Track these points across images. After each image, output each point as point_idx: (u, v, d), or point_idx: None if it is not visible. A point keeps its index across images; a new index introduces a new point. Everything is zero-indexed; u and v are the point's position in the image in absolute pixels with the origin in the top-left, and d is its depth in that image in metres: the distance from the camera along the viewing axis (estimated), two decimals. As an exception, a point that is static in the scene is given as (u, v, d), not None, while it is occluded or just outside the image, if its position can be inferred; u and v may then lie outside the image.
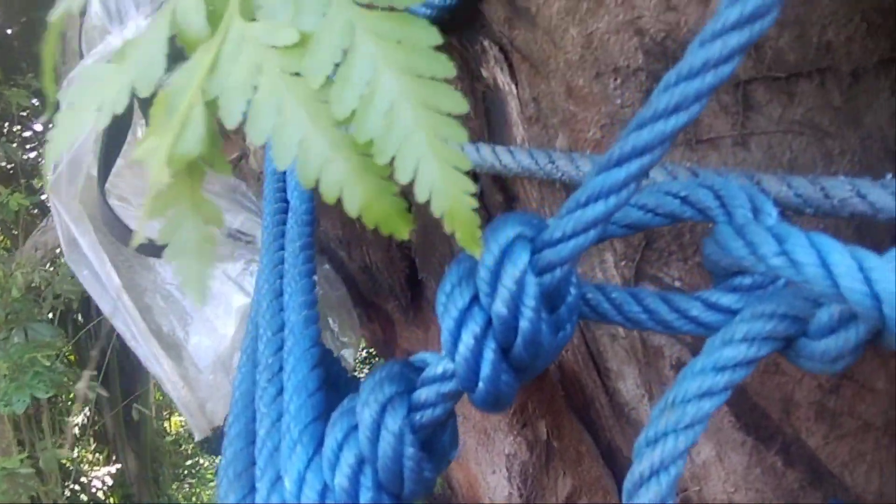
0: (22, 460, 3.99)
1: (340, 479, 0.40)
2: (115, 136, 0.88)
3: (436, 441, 0.44)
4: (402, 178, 0.31)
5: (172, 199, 0.31)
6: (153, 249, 0.83)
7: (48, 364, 4.57)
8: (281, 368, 0.51)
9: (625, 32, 0.57)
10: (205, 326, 0.88)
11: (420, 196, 0.30)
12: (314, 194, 0.69)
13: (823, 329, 0.38)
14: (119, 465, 7.24)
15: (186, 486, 7.89)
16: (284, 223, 0.70)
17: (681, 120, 0.34)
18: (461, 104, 0.31)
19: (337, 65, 0.31)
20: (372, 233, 0.83)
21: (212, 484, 7.69)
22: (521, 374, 0.41)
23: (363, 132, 0.31)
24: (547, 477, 0.80)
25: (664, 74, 0.58)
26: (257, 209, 0.99)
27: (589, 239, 0.37)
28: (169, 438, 8.60)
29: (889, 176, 0.45)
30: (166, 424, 9.36)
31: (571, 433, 0.78)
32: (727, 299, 0.43)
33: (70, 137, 0.31)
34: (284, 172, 0.75)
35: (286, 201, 0.72)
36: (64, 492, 5.78)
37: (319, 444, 0.43)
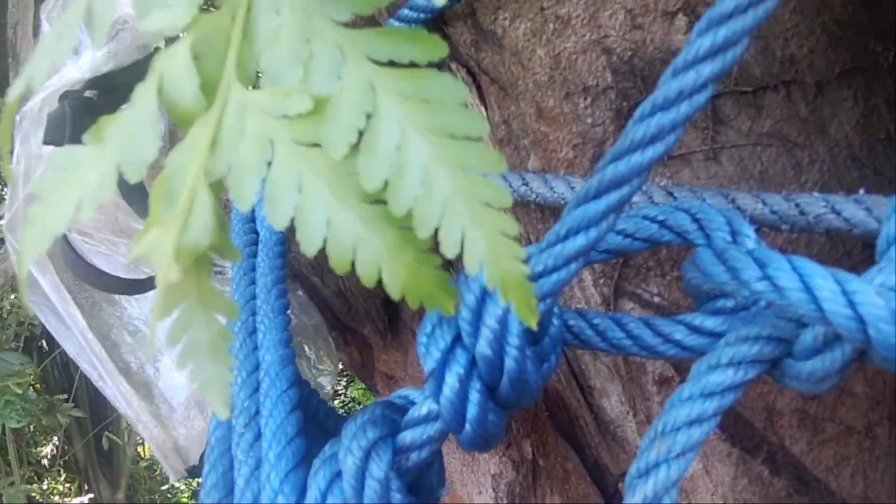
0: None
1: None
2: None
3: (422, 482, 0.43)
4: (449, 251, 0.28)
5: (179, 295, 0.28)
6: (124, 286, 0.81)
7: (20, 392, 4.44)
8: (258, 412, 0.49)
9: (592, 52, 0.57)
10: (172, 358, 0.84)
11: (471, 269, 0.28)
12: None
13: (809, 350, 0.38)
14: (92, 495, 7.07)
15: (164, 511, 7.72)
16: (255, 255, 0.68)
17: (658, 150, 0.33)
18: (500, 163, 0.28)
19: (360, 132, 0.28)
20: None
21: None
22: (508, 411, 0.40)
23: (399, 204, 0.28)
24: (534, 496, 0.79)
25: (633, 92, 0.58)
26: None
27: (571, 272, 0.36)
28: (143, 464, 8.43)
29: (861, 191, 0.45)
30: (140, 450, 9.16)
31: (557, 451, 0.77)
32: (711, 322, 0.42)
33: (45, 237, 0.27)
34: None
35: (256, 232, 0.71)
36: (36, 526, 5.61)
37: (302, 493, 0.42)
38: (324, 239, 0.29)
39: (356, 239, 0.29)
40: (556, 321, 0.41)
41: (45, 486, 6.90)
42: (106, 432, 6.40)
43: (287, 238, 0.70)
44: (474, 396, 0.37)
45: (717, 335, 0.42)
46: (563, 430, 0.74)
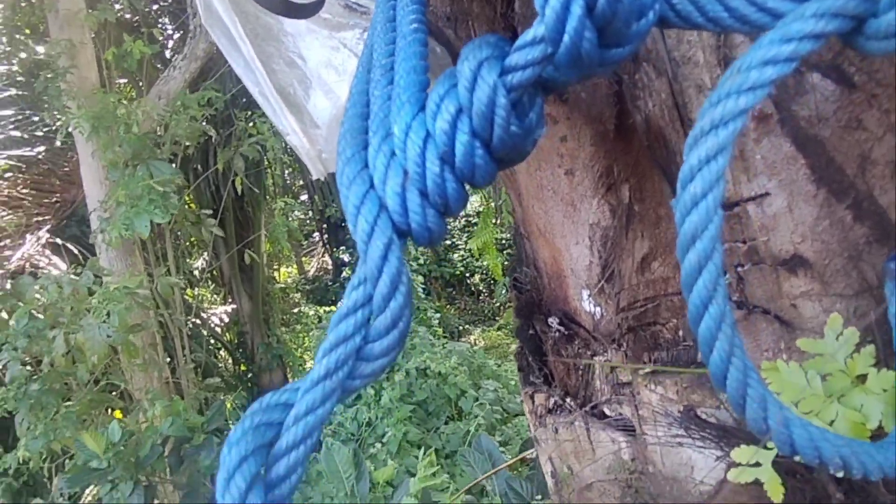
0: (141, 282, 4.47)
1: (441, 125, 0.48)
2: None
3: (523, 113, 0.51)
4: None
5: None
6: (294, 10, 0.91)
7: (162, 191, 4.97)
8: (393, 68, 0.58)
9: None
10: (322, 89, 0.96)
11: None
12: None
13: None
14: (234, 306, 7.97)
15: (293, 329, 8.60)
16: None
17: None
18: None
19: None
20: (478, 5, 0.88)
21: (313, 333, 8.37)
22: (605, 43, 0.46)
23: None
24: (626, 239, 0.87)
25: None
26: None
27: None
28: (278, 286, 9.33)
29: None
30: (276, 273, 10.11)
31: (653, 196, 0.84)
32: (803, -13, 0.46)
33: None
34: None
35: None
36: (187, 323, 6.44)
37: (422, 106, 0.51)
38: None
39: None
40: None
41: (196, 292, 7.82)
42: (247, 250, 7.09)
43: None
44: (575, 10, 0.44)
45: (806, -2, 0.46)
46: (662, 167, 0.80)
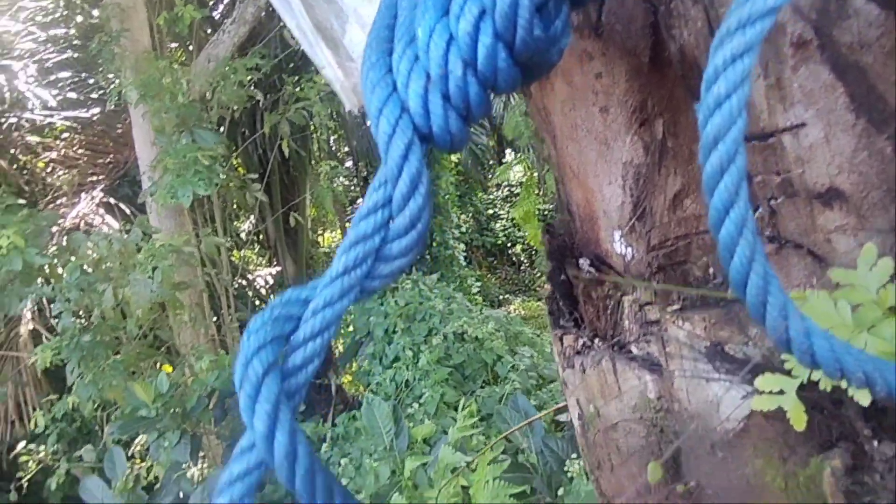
0: (187, 241, 4.60)
1: (464, 27, 0.48)
2: None
3: (548, 19, 0.51)
4: None
5: None
6: None
7: (208, 164, 5.08)
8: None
9: None
10: (359, 23, 0.97)
11: None
12: None
13: None
14: (279, 268, 8.14)
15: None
16: None
17: None
18: None
19: None
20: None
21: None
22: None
23: None
24: (658, 175, 0.86)
25: None
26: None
27: None
28: (322, 250, 9.47)
29: None
30: (320, 238, 10.26)
31: (686, 131, 0.82)
32: None
33: None
34: None
35: None
36: (233, 283, 6.61)
37: (448, 11, 0.52)
38: None
39: None
40: None
41: (242, 254, 8.00)
42: (292, 213, 7.21)
43: None
44: None
45: None
46: (696, 98, 0.78)
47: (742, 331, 0.78)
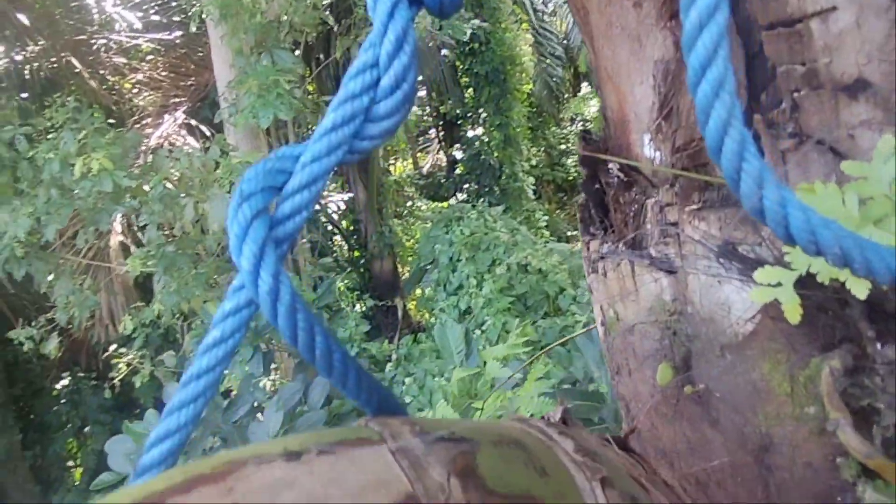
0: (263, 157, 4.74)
1: None
2: None
3: None
4: None
5: None
6: None
7: (288, 88, 5.17)
8: None
9: None
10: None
11: None
12: None
13: None
14: (351, 194, 8.31)
15: (405, 222, 8.88)
16: None
17: None
18: None
19: None
20: None
21: (422, 225, 8.61)
22: None
23: None
24: (685, 73, 0.84)
25: None
26: None
27: None
28: (393, 179, 9.58)
29: None
30: (391, 167, 10.37)
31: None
32: None
33: None
34: None
35: None
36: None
37: None
38: None
39: None
40: None
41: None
42: (363, 139, 7.29)
43: None
44: None
45: None
46: None
47: (756, 231, 0.77)
